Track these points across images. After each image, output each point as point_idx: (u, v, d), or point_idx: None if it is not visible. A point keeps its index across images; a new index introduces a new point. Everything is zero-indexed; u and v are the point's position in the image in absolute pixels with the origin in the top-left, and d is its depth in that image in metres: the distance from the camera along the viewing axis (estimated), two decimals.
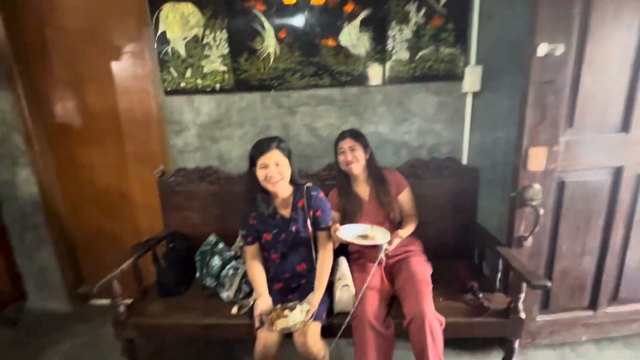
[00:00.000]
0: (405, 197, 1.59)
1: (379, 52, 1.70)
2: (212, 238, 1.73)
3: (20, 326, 2.05)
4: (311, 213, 1.38)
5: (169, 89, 1.81)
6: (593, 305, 1.59)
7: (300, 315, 1.23)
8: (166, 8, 1.69)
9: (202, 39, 1.72)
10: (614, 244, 1.50)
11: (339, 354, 1.64)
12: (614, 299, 1.59)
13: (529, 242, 1.43)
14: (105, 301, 2.20)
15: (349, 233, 1.39)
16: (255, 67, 1.75)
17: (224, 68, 1.76)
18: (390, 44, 1.69)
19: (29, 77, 1.89)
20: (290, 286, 1.44)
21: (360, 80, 1.76)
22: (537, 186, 1.38)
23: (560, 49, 1.25)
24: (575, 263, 1.52)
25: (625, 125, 1.39)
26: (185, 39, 1.73)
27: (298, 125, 1.85)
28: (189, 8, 1.68)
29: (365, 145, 1.55)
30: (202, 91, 1.81)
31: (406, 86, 1.76)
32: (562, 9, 1.24)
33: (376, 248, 1.50)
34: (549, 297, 1.56)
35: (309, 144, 1.87)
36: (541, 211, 1.37)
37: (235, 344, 1.75)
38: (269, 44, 1.71)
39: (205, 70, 1.77)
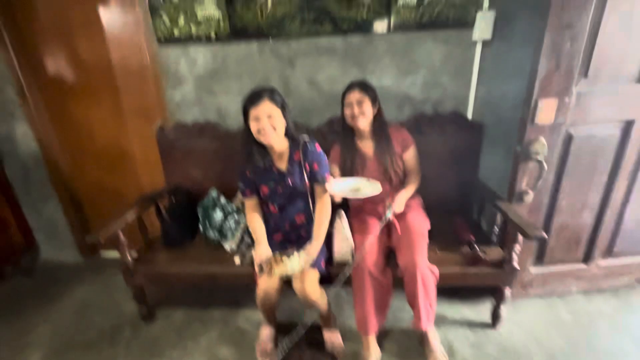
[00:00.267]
0: (410, 156, 1.55)
1: None
2: (213, 193, 1.74)
3: (36, 276, 2.16)
4: (307, 166, 1.36)
5: (162, 37, 1.72)
6: (587, 258, 1.62)
7: (298, 262, 1.27)
8: None
9: None
10: (615, 199, 1.50)
11: (338, 303, 1.73)
12: (609, 252, 1.62)
13: (530, 196, 1.42)
14: (114, 253, 2.29)
15: (340, 186, 1.38)
16: (252, 12, 1.64)
17: (218, 14, 1.65)
18: None
19: (15, 27, 1.80)
20: (289, 238, 1.47)
21: (364, 27, 1.65)
22: (543, 140, 1.34)
23: None
24: (574, 218, 1.53)
25: None
26: None
27: (298, 77, 1.78)
28: None
29: (374, 99, 1.47)
30: (197, 40, 1.71)
31: (412, 35, 1.66)
32: None
33: (376, 203, 1.52)
34: (544, 250, 1.59)
35: (310, 97, 1.81)
36: (545, 166, 1.35)
37: (239, 290, 1.85)
38: None
39: (199, 16, 1.66)
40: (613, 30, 1.24)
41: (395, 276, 1.39)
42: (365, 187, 1.37)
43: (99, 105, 1.95)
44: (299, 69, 1.76)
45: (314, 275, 1.31)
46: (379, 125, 1.52)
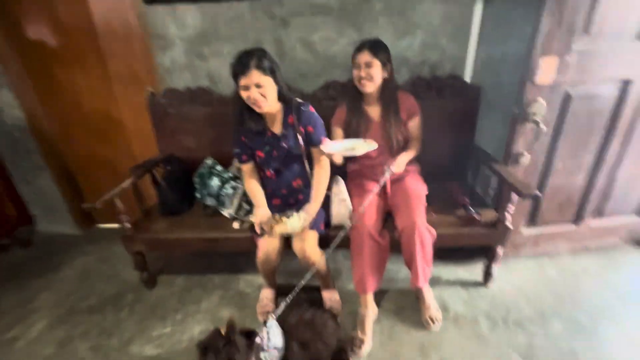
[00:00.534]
0: (413, 124, 1.51)
1: None
2: (209, 161, 1.72)
3: (34, 248, 2.16)
4: (302, 129, 1.34)
5: None
6: (577, 219, 1.67)
7: (297, 221, 1.28)
8: None
9: None
10: (608, 160, 1.52)
11: (335, 265, 1.78)
12: (599, 213, 1.67)
13: (526, 158, 1.43)
14: (111, 225, 2.30)
15: (336, 147, 1.35)
16: None
17: None
18: None
19: None
20: (288, 202, 1.48)
21: None
22: (542, 100, 1.33)
23: None
24: (568, 180, 1.55)
25: None
26: None
27: (292, 39, 1.71)
28: None
29: (385, 62, 1.38)
30: None
31: None
32: None
33: (374, 167, 1.52)
34: (537, 212, 1.63)
35: (305, 60, 1.75)
36: (543, 127, 1.34)
37: (239, 256, 1.88)
38: None
39: None
40: None
41: (392, 239, 1.42)
42: (360, 146, 1.32)
43: (84, 71, 1.86)
44: (292, 30, 1.69)
45: (313, 237, 1.33)
46: (389, 90, 1.45)
